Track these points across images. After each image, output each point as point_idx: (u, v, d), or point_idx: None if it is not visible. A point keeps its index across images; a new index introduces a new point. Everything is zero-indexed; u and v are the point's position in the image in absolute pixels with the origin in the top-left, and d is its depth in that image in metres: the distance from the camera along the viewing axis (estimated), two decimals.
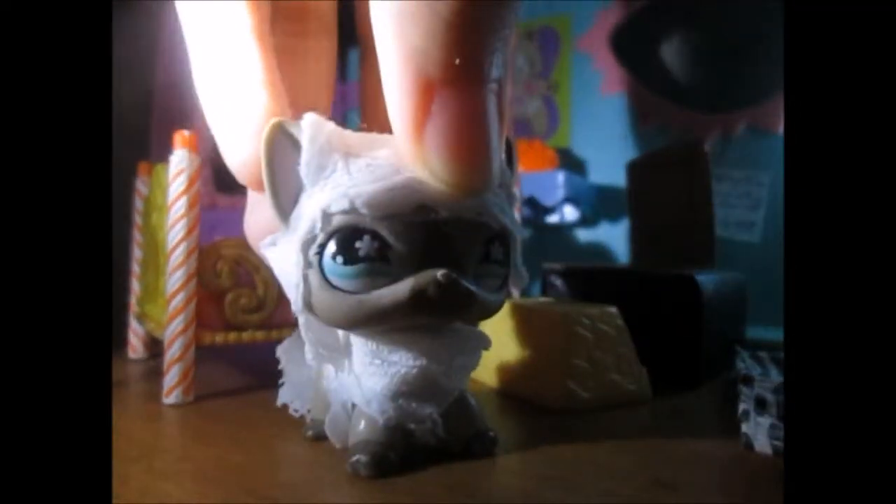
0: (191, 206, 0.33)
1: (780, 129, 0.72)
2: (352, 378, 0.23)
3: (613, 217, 0.84)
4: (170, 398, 0.33)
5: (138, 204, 0.47)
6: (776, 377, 0.26)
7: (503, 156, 0.22)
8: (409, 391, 0.23)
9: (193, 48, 0.23)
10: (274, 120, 0.21)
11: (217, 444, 0.27)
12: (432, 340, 0.23)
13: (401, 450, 0.24)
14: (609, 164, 0.84)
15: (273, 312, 0.38)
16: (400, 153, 0.20)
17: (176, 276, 0.33)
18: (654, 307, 0.40)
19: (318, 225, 0.20)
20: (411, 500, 0.21)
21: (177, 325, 0.33)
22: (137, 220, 0.47)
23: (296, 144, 0.21)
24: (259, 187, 0.22)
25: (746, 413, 0.27)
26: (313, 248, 0.21)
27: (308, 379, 0.28)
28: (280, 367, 0.29)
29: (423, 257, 0.21)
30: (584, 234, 0.86)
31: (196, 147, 0.34)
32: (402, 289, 0.21)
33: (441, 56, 0.17)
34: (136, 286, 0.46)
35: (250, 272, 0.37)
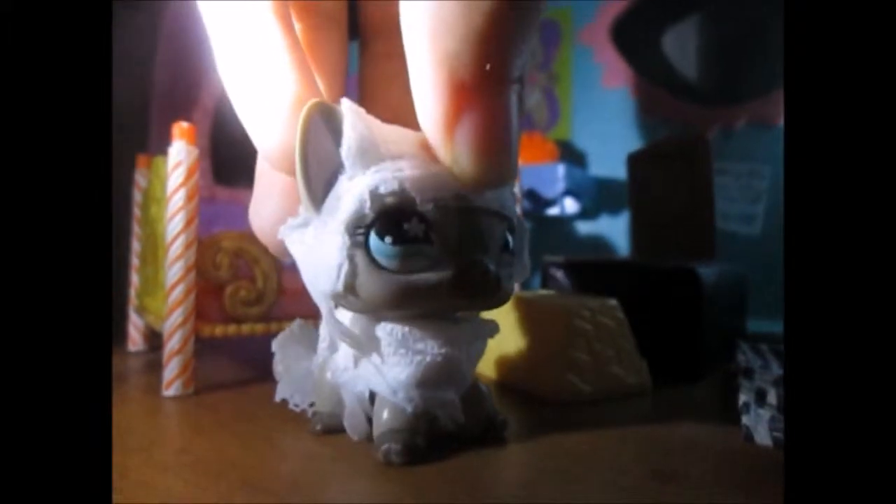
0: (189, 198, 0.33)
1: (781, 122, 0.72)
2: (371, 368, 0.24)
3: (614, 210, 0.84)
4: (169, 391, 0.33)
5: (137, 196, 0.47)
6: (776, 369, 0.26)
7: None
8: (434, 378, 0.23)
9: (216, 35, 0.23)
10: (313, 101, 0.21)
11: (217, 437, 0.27)
12: (454, 328, 0.24)
13: (427, 436, 0.24)
14: (609, 157, 0.84)
15: (273, 305, 0.38)
16: (429, 148, 0.21)
17: (175, 268, 0.33)
18: (655, 300, 0.40)
19: (368, 205, 0.21)
20: (412, 492, 0.21)
21: (176, 317, 0.33)
22: (136, 212, 0.47)
23: (333, 128, 0.21)
24: (291, 172, 0.22)
25: (747, 405, 0.27)
26: (360, 230, 0.21)
27: (307, 372, 0.28)
28: (275, 361, 0.29)
29: (461, 242, 0.22)
30: (584, 227, 0.86)
31: (194, 139, 0.34)
32: (447, 271, 0.22)
33: (473, 61, 0.18)
34: (135, 279, 0.46)
35: (250, 264, 0.37)
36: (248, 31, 0.23)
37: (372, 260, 0.21)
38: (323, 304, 0.23)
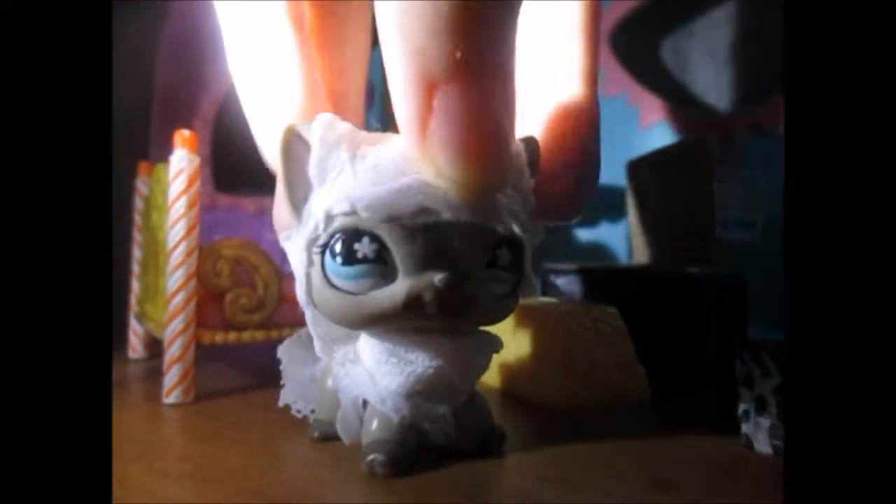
0: (190, 205, 0.33)
1: (781, 128, 0.72)
2: (364, 376, 0.24)
3: (613, 217, 0.84)
4: (170, 398, 0.33)
5: (138, 203, 0.47)
6: (777, 378, 0.26)
7: (525, 157, 0.22)
8: (424, 391, 0.23)
9: (230, 44, 0.24)
10: (287, 126, 0.21)
11: (217, 444, 0.27)
12: (449, 341, 0.23)
13: (415, 449, 0.24)
14: (609, 164, 0.83)
15: (273, 312, 0.38)
16: (407, 153, 0.20)
17: (176, 275, 0.33)
18: (655, 307, 0.40)
19: (322, 225, 0.21)
20: (412, 501, 0.21)
21: (177, 324, 0.33)
22: (137, 219, 0.47)
23: (308, 146, 0.21)
24: None
25: (747, 413, 0.27)
26: (316, 248, 0.21)
27: (310, 379, 0.28)
28: (281, 367, 0.29)
29: (423, 261, 0.21)
30: (584, 234, 0.86)
31: (196, 147, 0.34)
32: (398, 291, 0.21)
33: (441, 53, 0.17)
34: (135, 286, 0.46)
35: (250, 272, 0.37)
36: (258, 43, 0.23)
37: (327, 279, 0.22)
38: (306, 311, 0.24)
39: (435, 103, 0.18)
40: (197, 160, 0.34)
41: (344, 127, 0.21)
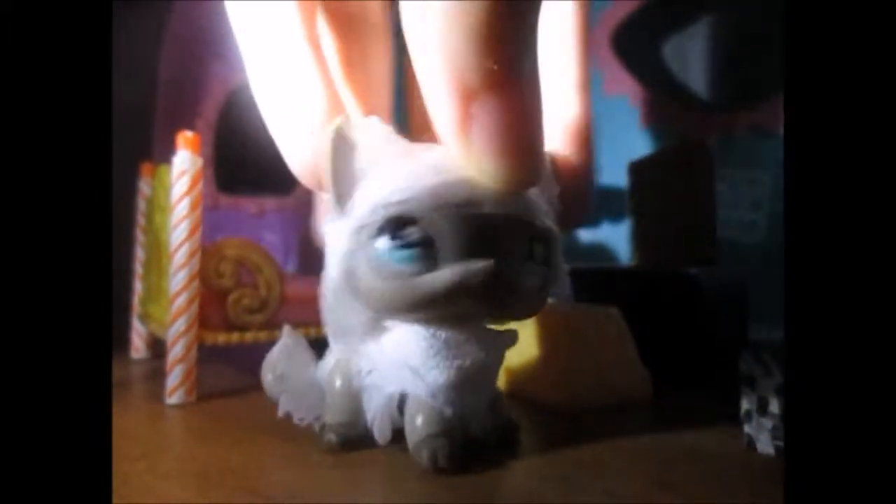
0: (193, 206, 0.33)
1: (781, 128, 0.72)
2: (405, 371, 0.24)
3: (615, 217, 0.84)
4: (172, 398, 0.33)
5: (141, 204, 0.47)
6: (778, 377, 0.26)
7: (549, 167, 0.24)
8: (471, 383, 0.24)
9: (247, 57, 0.25)
10: (336, 121, 0.23)
11: (220, 445, 0.27)
12: (486, 334, 0.24)
13: (462, 441, 0.24)
14: (610, 164, 0.83)
15: (276, 313, 0.38)
16: (449, 156, 0.21)
17: (179, 276, 0.33)
18: (656, 307, 0.40)
19: (373, 214, 0.22)
20: (413, 500, 0.21)
21: (179, 325, 0.33)
22: (140, 220, 0.47)
23: (352, 144, 0.23)
24: (317, 186, 0.24)
25: (748, 413, 0.27)
26: (364, 234, 0.22)
27: (310, 382, 0.28)
28: (278, 373, 0.28)
29: (468, 249, 0.22)
30: (585, 234, 0.86)
31: (198, 148, 0.34)
32: (444, 275, 0.22)
33: (478, 65, 0.18)
34: (138, 286, 0.46)
35: (253, 272, 0.37)
36: (273, 54, 0.24)
37: (375, 263, 0.22)
38: (328, 299, 0.25)
39: (474, 111, 0.19)
40: (199, 161, 0.34)
41: (385, 128, 0.23)
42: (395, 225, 0.22)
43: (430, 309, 0.23)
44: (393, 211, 0.22)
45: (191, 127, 0.35)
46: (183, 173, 0.33)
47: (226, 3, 0.25)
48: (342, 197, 0.23)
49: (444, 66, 0.19)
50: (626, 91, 0.85)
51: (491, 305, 0.23)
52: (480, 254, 0.22)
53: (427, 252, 0.22)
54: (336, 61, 0.28)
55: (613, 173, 0.82)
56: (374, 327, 0.25)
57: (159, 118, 0.49)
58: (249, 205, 0.43)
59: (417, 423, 0.24)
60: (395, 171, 0.22)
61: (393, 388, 0.24)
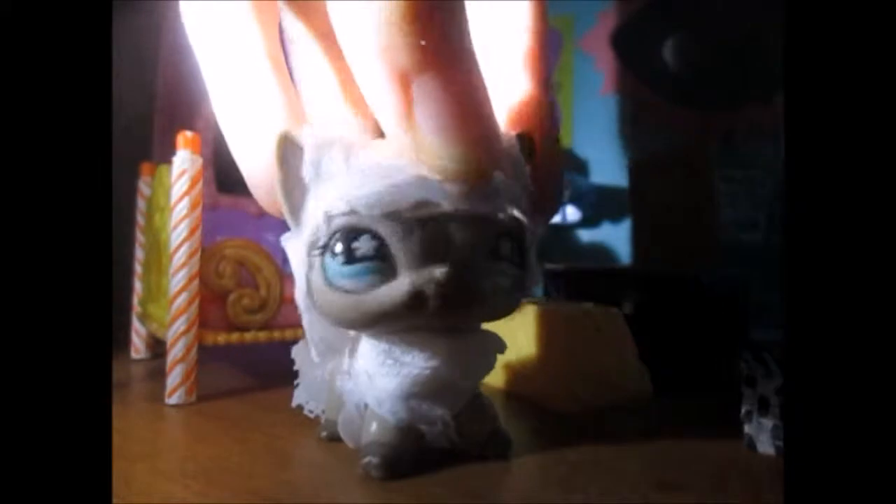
0: (193, 207, 0.33)
1: (781, 128, 0.72)
2: (364, 378, 0.23)
3: (615, 217, 0.84)
4: (172, 398, 0.33)
5: (141, 204, 0.47)
6: (779, 378, 0.26)
7: (518, 149, 0.23)
8: (422, 392, 0.23)
9: (204, 67, 0.24)
10: (279, 134, 0.22)
11: (220, 445, 0.27)
12: (446, 341, 0.23)
13: (413, 451, 0.24)
14: (611, 165, 0.83)
15: (275, 313, 0.38)
16: (400, 148, 0.20)
17: (179, 276, 0.33)
18: (657, 307, 0.40)
19: (321, 227, 0.21)
20: (412, 501, 0.21)
21: (179, 325, 0.33)
22: (140, 220, 0.47)
23: (301, 150, 0.22)
24: (269, 205, 0.23)
25: (749, 414, 0.27)
26: (315, 250, 0.21)
27: (322, 379, 0.28)
28: (295, 367, 0.28)
29: (423, 255, 0.21)
30: (585, 235, 0.86)
31: (198, 148, 0.34)
32: (399, 288, 0.21)
33: (407, 44, 0.18)
34: (138, 286, 0.46)
35: (253, 273, 0.37)
36: (229, 65, 0.23)
37: (328, 280, 0.21)
38: (303, 315, 0.24)
39: (413, 94, 0.18)
40: (199, 161, 0.34)
41: (335, 131, 0.22)
42: (346, 237, 0.21)
43: (385, 323, 0.22)
44: (341, 223, 0.21)
45: (191, 127, 0.35)
46: (183, 173, 0.33)
47: (181, 7, 0.24)
48: (294, 209, 0.22)
49: (373, 51, 0.18)
50: (626, 92, 0.85)
51: (451, 312, 0.22)
52: (437, 260, 0.21)
53: (380, 264, 0.21)
54: (330, 74, 0.26)
55: (613, 173, 0.82)
56: (344, 339, 0.24)
57: (159, 118, 0.49)
58: (249, 205, 0.42)
59: (368, 430, 0.24)
60: (342, 178, 0.21)
61: (358, 397, 0.24)
